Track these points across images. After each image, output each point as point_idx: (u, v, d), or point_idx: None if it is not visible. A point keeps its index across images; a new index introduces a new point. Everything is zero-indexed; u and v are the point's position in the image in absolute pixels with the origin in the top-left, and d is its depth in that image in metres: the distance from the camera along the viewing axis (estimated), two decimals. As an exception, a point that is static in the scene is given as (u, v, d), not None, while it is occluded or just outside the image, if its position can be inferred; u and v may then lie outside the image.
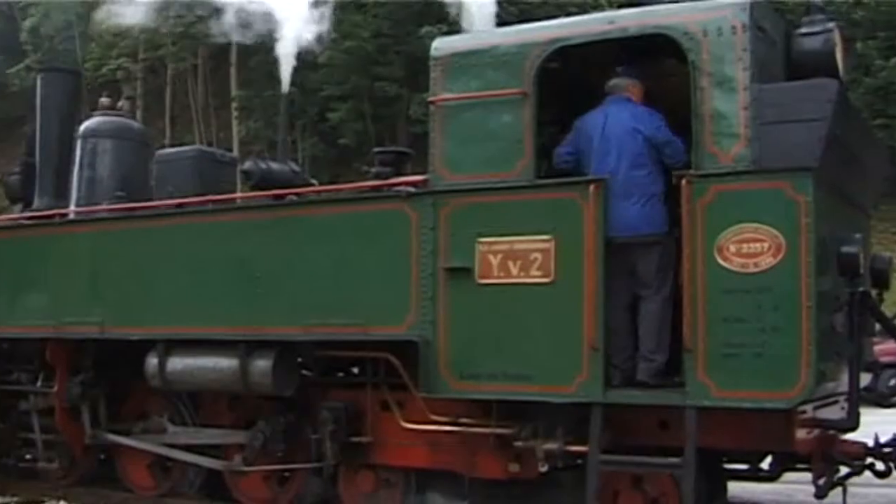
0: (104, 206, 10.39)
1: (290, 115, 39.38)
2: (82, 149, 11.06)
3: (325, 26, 11.94)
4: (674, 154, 7.44)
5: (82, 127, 11.27)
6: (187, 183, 10.16)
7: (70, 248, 10.12)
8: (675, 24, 7.31)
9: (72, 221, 10.60)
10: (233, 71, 48.58)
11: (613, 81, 7.84)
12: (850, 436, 7.89)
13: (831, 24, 7.71)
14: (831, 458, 7.72)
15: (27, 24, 55.17)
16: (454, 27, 10.72)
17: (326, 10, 11.91)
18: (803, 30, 7.77)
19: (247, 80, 46.95)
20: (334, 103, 44.82)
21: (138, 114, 43.74)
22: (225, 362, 8.91)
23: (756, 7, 7.11)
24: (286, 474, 9.43)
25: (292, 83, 12.90)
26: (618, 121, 7.63)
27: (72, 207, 10.89)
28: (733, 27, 7.04)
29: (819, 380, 6.72)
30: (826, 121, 6.75)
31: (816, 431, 7.57)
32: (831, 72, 7.42)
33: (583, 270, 7.31)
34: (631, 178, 7.42)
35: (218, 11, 13.12)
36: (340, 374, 9.50)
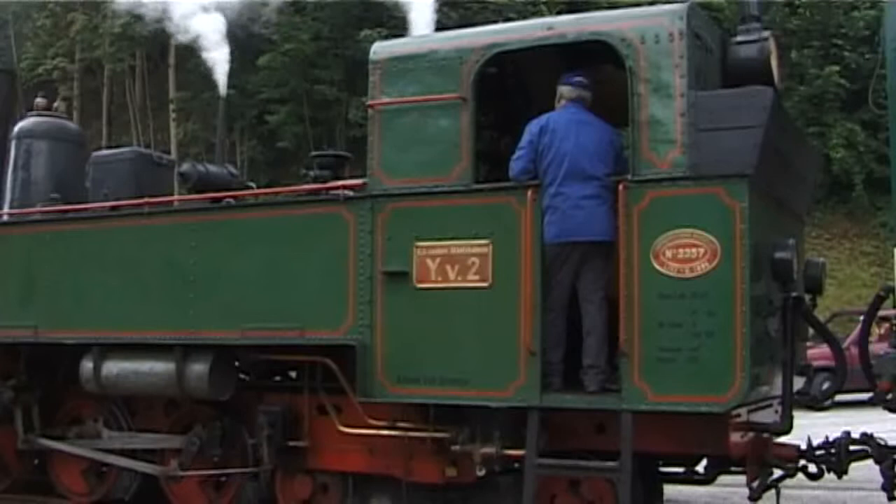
0: (38, 209, 10.26)
1: (229, 117, 39.15)
2: (16, 150, 10.92)
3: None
4: (626, 165, 7.41)
5: (17, 127, 11.12)
6: (123, 185, 10.03)
7: (3, 250, 9.98)
8: (612, 31, 7.35)
9: (5, 223, 10.44)
10: (171, 72, 48.23)
11: (579, 92, 7.72)
12: (783, 438, 7.99)
13: (766, 33, 7.80)
14: (765, 460, 7.81)
15: (-40, 23, 54.49)
16: (394, 31, 10.71)
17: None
18: (739, 38, 7.86)
19: (185, 82, 46.65)
20: (273, 106, 44.70)
21: (74, 115, 43.35)
22: (161, 366, 8.83)
23: (693, 15, 7.17)
24: (223, 479, 9.36)
25: (231, 85, 12.86)
26: (595, 128, 7.57)
27: (5, 209, 10.74)
28: (670, 34, 7.09)
29: (753, 384, 6.80)
30: (761, 128, 6.82)
31: (750, 435, 7.64)
32: (766, 79, 7.51)
33: (520, 275, 7.34)
34: (606, 185, 7.37)
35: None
36: (278, 379, 9.45)
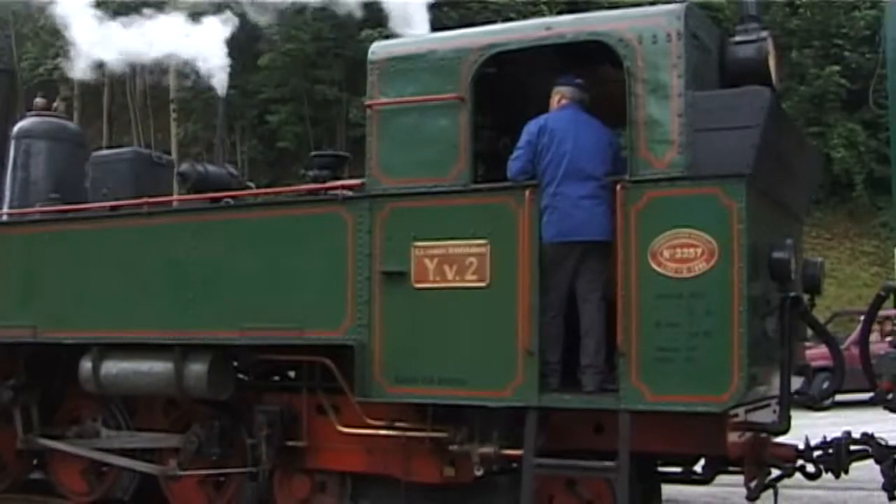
0: (38, 209, 10.27)
1: (230, 117, 39.15)
2: (16, 149, 10.93)
3: None
4: (624, 167, 7.40)
5: (16, 127, 11.13)
6: (123, 185, 10.03)
7: (3, 250, 9.98)
8: (610, 31, 7.35)
9: (4, 223, 10.45)
10: (171, 72, 48.17)
11: (578, 93, 7.76)
12: (781, 438, 8.00)
13: (765, 33, 7.79)
14: (763, 460, 7.82)
15: (-40, 21, 54.34)
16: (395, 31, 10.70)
17: None
18: (737, 38, 7.85)
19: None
20: (273, 106, 44.66)
21: (74, 115, 43.30)
22: (160, 366, 8.84)
23: (691, 15, 7.16)
24: (221, 479, 9.37)
25: (231, 85, 12.82)
26: (593, 128, 7.60)
27: (5, 209, 10.74)
28: (668, 35, 7.09)
29: (751, 384, 6.80)
30: (759, 128, 6.82)
31: (748, 434, 7.65)
32: (765, 79, 7.51)
33: (518, 275, 7.34)
34: (604, 185, 7.36)
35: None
36: (276, 378, 9.46)
